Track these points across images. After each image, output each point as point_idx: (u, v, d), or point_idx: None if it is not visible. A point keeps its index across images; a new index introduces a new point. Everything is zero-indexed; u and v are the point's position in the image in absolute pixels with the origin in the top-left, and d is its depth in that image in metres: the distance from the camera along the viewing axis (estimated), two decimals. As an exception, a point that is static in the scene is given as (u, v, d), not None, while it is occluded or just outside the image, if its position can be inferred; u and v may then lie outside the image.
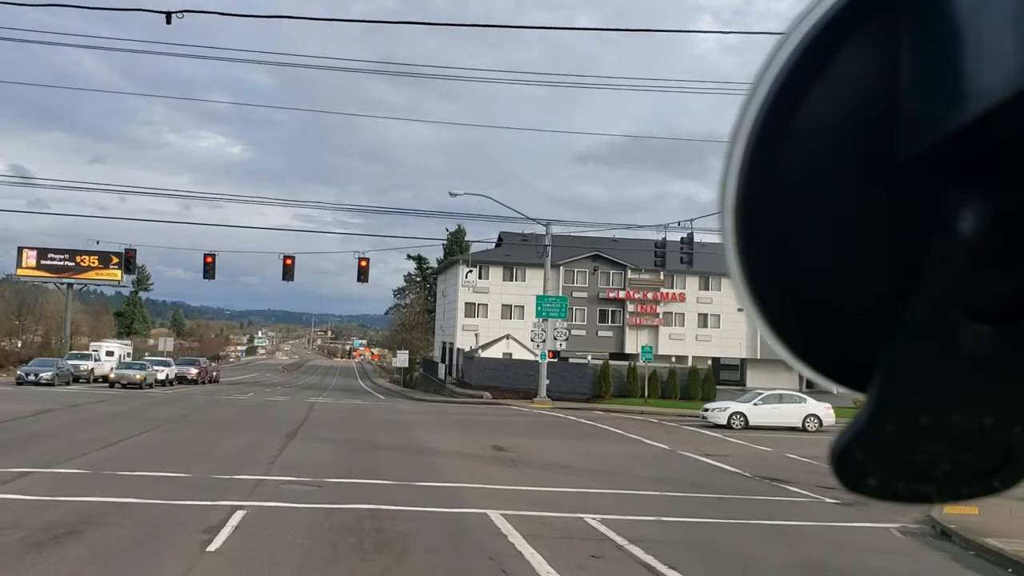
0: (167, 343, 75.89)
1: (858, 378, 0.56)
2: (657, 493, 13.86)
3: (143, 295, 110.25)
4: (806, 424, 27.77)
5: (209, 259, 36.88)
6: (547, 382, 38.67)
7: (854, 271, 0.55)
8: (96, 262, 65.25)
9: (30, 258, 68.50)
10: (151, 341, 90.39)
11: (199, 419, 23.89)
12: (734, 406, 28.37)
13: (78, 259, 67.42)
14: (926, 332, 0.52)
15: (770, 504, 13.39)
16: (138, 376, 39.50)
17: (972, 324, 0.52)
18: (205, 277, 36.85)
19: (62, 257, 67.49)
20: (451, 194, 37.31)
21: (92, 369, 43.85)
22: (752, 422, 27.49)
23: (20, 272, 68.80)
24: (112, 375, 39.72)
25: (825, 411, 27.82)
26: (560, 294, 46.33)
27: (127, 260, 40.34)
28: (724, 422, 27.68)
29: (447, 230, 73.03)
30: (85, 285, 72.04)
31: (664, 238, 34.31)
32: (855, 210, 0.54)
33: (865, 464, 0.54)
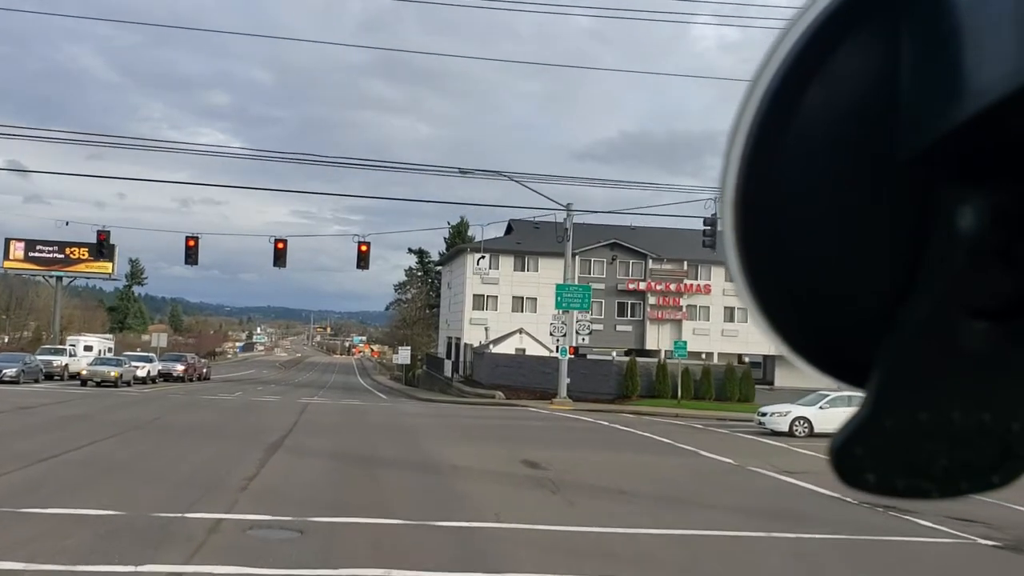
0: (161, 339, 72.34)
1: (858, 375, 0.55)
2: (763, 534, 10.18)
3: (140, 291, 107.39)
4: (877, 431, 23.97)
5: (191, 242, 33.35)
6: (567, 381, 34.98)
7: (854, 270, 0.54)
8: (86, 254, 62.25)
9: (18, 250, 65.79)
10: (145, 337, 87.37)
11: (170, 424, 20.29)
12: (796, 410, 24.63)
13: (67, 251, 64.68)
14: (926, 331, 0.52)
15: (916, 550, 9.84)
16: (113, 373, 35.75)
17: (972, 323, 0.52)
18: (187, 263, 33.30)
19: (51, 249, 64.68)
20: (461, 171, 33.65)
21: (66, 365, 40.06)
22: (817, 428, 23.70)
23: (7, 264, 66.26)
24: (84, 372, 35.98)
25: None
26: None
27: (100, 244, 36.72)
28: (785, 429, 24.05)
29: (448, 223, 70.01)
30: (75, 278, 69.20)
31: (715, 214, 29.84)
32: (855, 208, 0.53)
33: (864, 460, 0.54)
